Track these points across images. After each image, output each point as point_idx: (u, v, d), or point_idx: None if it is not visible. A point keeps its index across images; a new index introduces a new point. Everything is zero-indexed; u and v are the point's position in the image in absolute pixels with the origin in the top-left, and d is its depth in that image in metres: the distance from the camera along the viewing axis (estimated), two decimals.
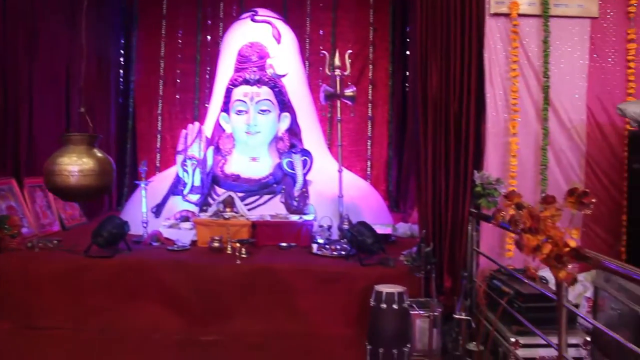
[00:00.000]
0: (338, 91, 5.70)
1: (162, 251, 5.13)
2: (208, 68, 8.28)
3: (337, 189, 5.73)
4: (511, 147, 4.54)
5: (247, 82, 6.38)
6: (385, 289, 4.01)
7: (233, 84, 6.47)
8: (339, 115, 5.93)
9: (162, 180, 6.49)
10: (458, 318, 3.89)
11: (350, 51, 6.03)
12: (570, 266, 2.49)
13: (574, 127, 4.59)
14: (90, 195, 4.56)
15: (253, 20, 6.91)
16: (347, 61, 5.75)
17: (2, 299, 4.61)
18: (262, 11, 7.09)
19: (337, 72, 5.69)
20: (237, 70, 6.57)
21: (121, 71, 8.39)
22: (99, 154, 4.47)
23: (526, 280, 3.57)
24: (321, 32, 8.32)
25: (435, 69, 4.56)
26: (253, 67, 6.46)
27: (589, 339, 3.56)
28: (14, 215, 5.46)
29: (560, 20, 4.59)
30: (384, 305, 3.95)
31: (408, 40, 8.18)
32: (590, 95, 4.61)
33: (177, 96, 8.36)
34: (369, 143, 8.38)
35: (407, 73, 8.24)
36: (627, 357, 3.57)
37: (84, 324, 4.53)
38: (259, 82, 6.36)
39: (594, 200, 2.55)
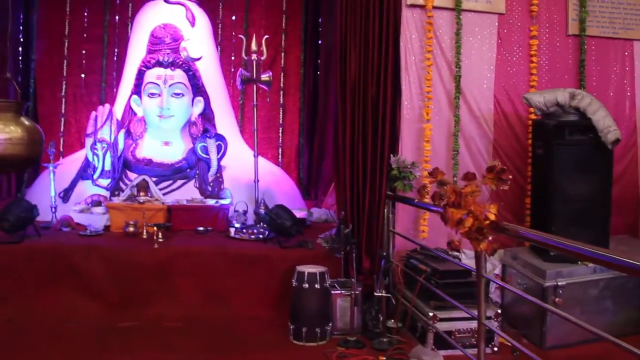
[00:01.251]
0: (254, 76, 5.71)
1: (74, 236, 4.95)
2: (116, 50, 7.96)
3: (251, 175, 5.73)
4: (425, 132, 4.73)
5: (160, 64, 6.23)
6: (307, 269, 4.10)
7: (145, 66, 6.28)
8: (254, 100, 5.92)
9: (69, 164, 6.22)
10: (378, 296, 4.03)
11: (266, 36, 6.04)
12: (490, 237, 2.67)
13: (482, 116, 4.85)
14: (18, 165, 4.29)
15: (166, 1, 6.73)
16: (264, 46, 5.76)
17: None
18: None
19: (254, 56, 5.68)
20: (149, 52, 6.39)
21: (20, 49, 7.87)
22: (27, 123, 4.23)
23: (447, 257, 3.76)
24: (234, 17, 8.21)
25: (354, 56, 4.66)
26: (166, 49, 6.32)
27: (499, 311, 3.81)
28: None
29: (471, 14, 4.83)
30: (306, 285, 4.03)
31: (320, 29, 8.28)
32: (497, 86, 4.90)
33: (82, 75, 7.94)
34: (280, 130, 8.38)
35: (319, 61, 8.35)
36: (531, 326, 3.89)
37: None
38: (172, 64, 6.23)
39: (511, 176, 2.74)
